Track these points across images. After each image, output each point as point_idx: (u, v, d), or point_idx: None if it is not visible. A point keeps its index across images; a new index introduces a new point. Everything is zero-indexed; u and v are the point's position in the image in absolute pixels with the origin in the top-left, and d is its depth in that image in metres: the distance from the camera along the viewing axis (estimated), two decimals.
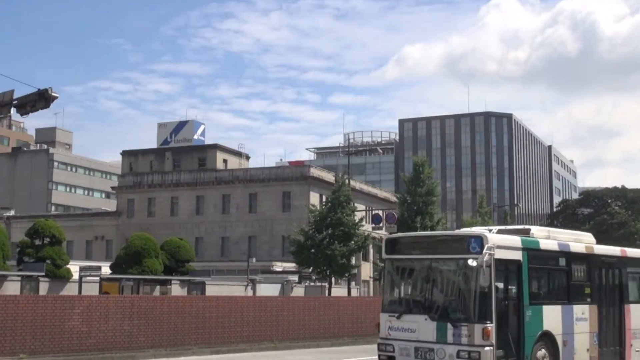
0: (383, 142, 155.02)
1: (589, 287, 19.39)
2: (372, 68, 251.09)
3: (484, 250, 15.64)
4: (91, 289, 38.40)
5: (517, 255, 16.82)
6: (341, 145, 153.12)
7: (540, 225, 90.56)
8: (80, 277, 38.95)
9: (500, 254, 16.08)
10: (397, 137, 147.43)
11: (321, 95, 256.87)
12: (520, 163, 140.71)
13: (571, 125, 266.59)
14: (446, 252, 16.62)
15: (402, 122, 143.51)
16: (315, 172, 73.31)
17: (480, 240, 15.99)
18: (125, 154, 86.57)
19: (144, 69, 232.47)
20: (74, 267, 42.50)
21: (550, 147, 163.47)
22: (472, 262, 15.57)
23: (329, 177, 72.11)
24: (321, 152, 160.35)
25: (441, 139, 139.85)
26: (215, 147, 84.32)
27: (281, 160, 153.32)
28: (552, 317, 17.58)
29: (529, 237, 18.51)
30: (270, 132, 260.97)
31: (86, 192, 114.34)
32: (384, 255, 17.94)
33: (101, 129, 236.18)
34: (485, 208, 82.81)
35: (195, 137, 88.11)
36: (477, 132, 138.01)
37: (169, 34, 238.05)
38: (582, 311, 18.72)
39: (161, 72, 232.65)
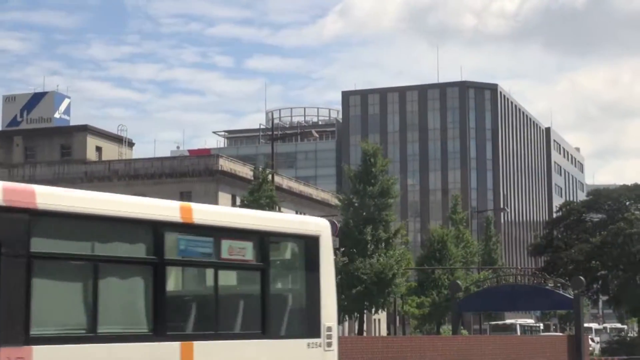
0: (321, 123, 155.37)
1: None
2: (306, 21, 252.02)
3: None
4: None
5: None
6: (262, 127, 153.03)
7: (536, 236, 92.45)
8: None
9: None
10: (340, 117, 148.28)
11: (235, 57, 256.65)
12: (507, 152, 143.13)
13: (577, 101, 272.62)
14: None
15: (346, 96, 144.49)
16: (226, 164, 73.58)
17: None
18: None
19: None
20: None
21: (548, 130, 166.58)
22: None
23: (245, 171, 72.42)
24: (235, 137, 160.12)
25: (400, 118, 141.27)
26: (85, 129, 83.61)
27: (179, 148, 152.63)
28: None
29: None
30: (163, 108, 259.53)
31: None
32: None
33: None
34: (460, 214, 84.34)
35: (57, 115, 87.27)
36: (449, 109, 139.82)
37: None
38: None
39: (7, 23, 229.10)
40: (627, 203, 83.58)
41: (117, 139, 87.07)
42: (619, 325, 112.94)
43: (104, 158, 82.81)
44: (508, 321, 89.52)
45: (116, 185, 74.51)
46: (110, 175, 75.03)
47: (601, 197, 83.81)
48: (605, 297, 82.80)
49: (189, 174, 72.97)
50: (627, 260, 74.14)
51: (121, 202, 13.05)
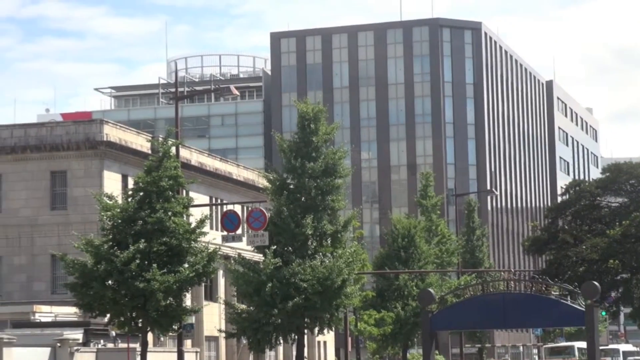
0: (242, 76, 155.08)
1: None
2: None
3: None
4: None
5: None
6: (163, 82, 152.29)
7: (535, 227, 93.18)
8: None
9: None
10: (269, 68, 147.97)
11: None
12: (495, 115, 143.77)
13: (588, 45, 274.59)
14: None
15: (277, 39, 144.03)
16: (114, 132, 73.11)
17: None
18: None
19: None
20: None
21: (550, 85, 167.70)
22: None
23: (140, 142, 72.02)
24: (125, 96, 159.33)
25: (350, 69, 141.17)
26: None
27: (49, 111, 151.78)
28: None
29: None
30: (28, 57, 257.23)
31: None
32: None
33: None
34: (432, 198, 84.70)
35: None
36: (417, 57, 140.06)
37: None
38: None
39: None
40: None
41: None
42: None
43: None
44: (567, 343, 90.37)
45: None
46: None
47: (621, 174, 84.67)
48: (627, 309, 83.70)
49: (62, 146, 72.23)
50: None
51: None
